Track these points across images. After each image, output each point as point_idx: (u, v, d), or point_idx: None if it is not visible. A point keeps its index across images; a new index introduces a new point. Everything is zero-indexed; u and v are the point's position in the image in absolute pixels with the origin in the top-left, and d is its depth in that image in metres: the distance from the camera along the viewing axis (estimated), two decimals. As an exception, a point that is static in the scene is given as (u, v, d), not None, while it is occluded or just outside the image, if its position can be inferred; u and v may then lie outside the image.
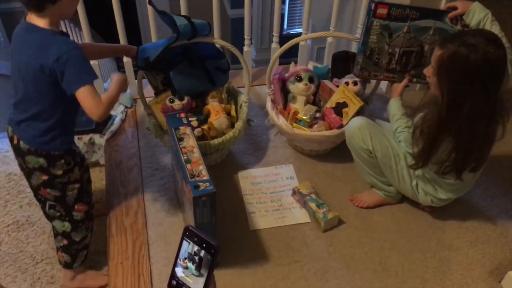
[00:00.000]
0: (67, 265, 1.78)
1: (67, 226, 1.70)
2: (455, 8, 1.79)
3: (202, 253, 0.79)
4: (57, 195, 1.63)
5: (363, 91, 2.06)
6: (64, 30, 2.71)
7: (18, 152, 1.57)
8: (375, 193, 1.93)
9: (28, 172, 1.60)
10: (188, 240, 0.80)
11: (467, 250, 1.81)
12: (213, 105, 1.97)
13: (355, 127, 1.82)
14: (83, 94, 1.41)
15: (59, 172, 1.59)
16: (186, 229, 0.80)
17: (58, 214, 1.68)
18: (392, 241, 1.83)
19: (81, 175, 1.67)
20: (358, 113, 1.98)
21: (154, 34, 2.27)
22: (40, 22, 1.42)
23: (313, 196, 1.90)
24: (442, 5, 2.08)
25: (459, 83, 1.48)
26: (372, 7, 1.80)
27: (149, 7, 2.08)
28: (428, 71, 1.60)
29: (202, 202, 1.48)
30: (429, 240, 1.83)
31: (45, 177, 1.58)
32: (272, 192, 2.00)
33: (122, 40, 2.27)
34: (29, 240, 2.00)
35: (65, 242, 1.73)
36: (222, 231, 1.79)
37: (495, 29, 1.66)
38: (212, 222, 1.55)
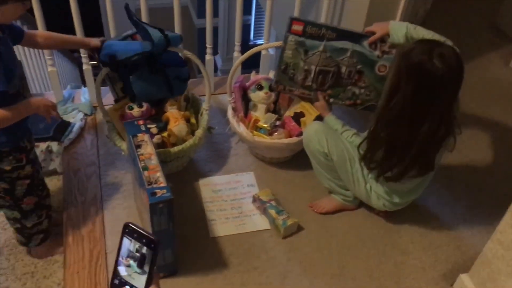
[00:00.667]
0: (23, 244, 1.81)
1: (16, 214, 1.68)
2: (373, 33, 1.83)
3: (144, 249, 0.78)
4: (5, 187, 1.60)
5: (322, 99, 2.10)
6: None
7: None
8: (333, 198, 1.96)
9: None
10: (129, 237, 0.79)
11: (421, 254, 1.86)
12: (172, 112, 1.97)
13: (312, 131, 1.86)
14: None
15: (8, 168, 1.55)
16: (126, 225, 0.79)
17: (8, 204, 1.66)
18: (350, 246, 1.86)
19: (33, 172, 1.64)
20: (315, 122, 2.02)
21: (113, 30, 2.24)
22: None
23: (273, 203, 1.92)
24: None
25: (396, 74, 1.54)
26: (289, 22, 1.85)
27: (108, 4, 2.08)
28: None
29: (159, 209, 1.48)
30: (385, 245, 1.88)
31: None
32: (233, 200, 2.01)
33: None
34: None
35: (17, 226, 1.73)
36: (182, 238, 1.79)
37: (422, 32, 1.69)
38: (170, 229, 1.55)
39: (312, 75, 1.92)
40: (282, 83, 1.98)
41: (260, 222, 1.92)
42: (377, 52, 1.87)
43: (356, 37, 1.86)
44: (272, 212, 1.88)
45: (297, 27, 1.85)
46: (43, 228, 1.76)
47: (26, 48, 2.78)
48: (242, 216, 1.94)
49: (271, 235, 1.88)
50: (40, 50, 2.95)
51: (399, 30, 1.74)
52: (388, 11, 2.23)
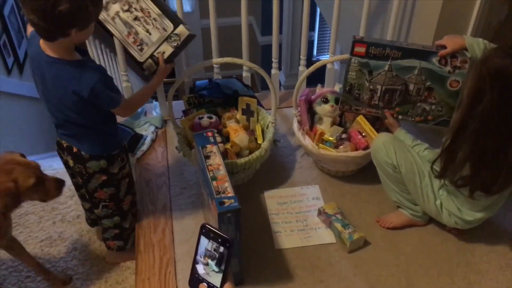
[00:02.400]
0: (120, 249, 1.94)
1: (116, 219, 1.85)
2: (443, 47, 1.79)
3: (221, 248, 0.81)
4: (112, 193, 1.77)
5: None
6: (96, 53, 2.84)
7: (79, 160, 1.68)
8: (402, 213, 1.91)
9: (88, 177, 1.71)
10: (206, 237, 0.82)
11: (498, 274, 1.76)
12: (231, 126, 2.06)
13: (380, 142, 1.84)
14: (116, 111, 1.63)
15: (115, 171, 1.73)
16: (203, 226, 0.83)
17: (110, 211, 1.81)
18: (419, 263, 1.80)
19: (130, 170, 1.84)
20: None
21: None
22: (58, 53, 1.47)
23: (339, 216, 1.90)
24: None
25: (478, 82, 1.48)
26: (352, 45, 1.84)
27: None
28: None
29: (227, 218, 1.51)
30: (457, 263, 1.80)
31: (104, 178, 1.72)
32: (298, 212, 2.01)
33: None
34: (61, 256, 2.06)
35: (116, 231, 1.88)
36: (248, 249, 1.81)
37: None
38: (237, 238, 1.58)
39: (378, 94, 1.92)
40: (347, 103, 2.00)
41: (326, 236, 1.91)
42: (448, 68, 1.82)
43: (423, 54, 1.83)
44: (338, 225, 1.86)
45: (360, 49, 1.85)
46: (134, 226, 1.91)
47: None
48: (307, 229, 1.93)
49: (336, 249, 1.86)
50: (115, 66, 3.13)
51: (477, 44, 1.71)
52: (459, 22, 2.16)
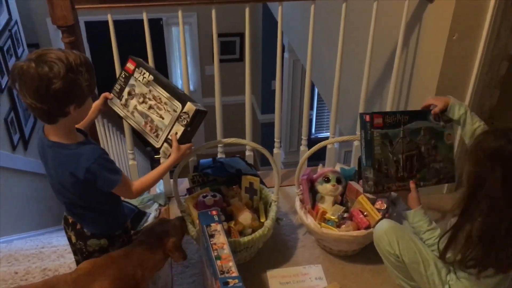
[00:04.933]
0: None
1: None
2: (434, 105, 1.90)
3: None
4: None
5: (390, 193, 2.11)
6: (103, 132, 2.92)
7: (81, 237, 1.69)
8: None
9: (87, 255, 1.70)
10: None
11: None
12: (234, 204, 2.09)
13: (382, 230, 1.83)
14: (116, 191, 1.60)
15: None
16: None
17: None
18: None
19: None
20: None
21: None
22: (58, 136, 1.51)
23: None
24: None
25: (478, 167, 1.53)
26: (367, 119, 1.82)
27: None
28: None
29: (231, 298, 1.50)
30: None
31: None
32: (301, 293, 1.99)
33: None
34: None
35: None
36: (250, 331, 1.77)
37: (475, 119, 1.80)
38: (241, 320, 1.55)
39: (401, 164, 1.88)
40: (380, 183, 1.86)
41: (329, 318, 1.88)
42: (441, 123, 1.92)
43: (422, 114, 1.92)
44: (342, 307, 1.83)
45: (378, 120, 1.85)
46: None
47: (110, 144, 3.02)
48: (310, 310, 1.91)
49: (340, 332, 1.82)
50: (123, 145, 3.20)
51: (460, 108, 1.83)
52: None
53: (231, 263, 1.59)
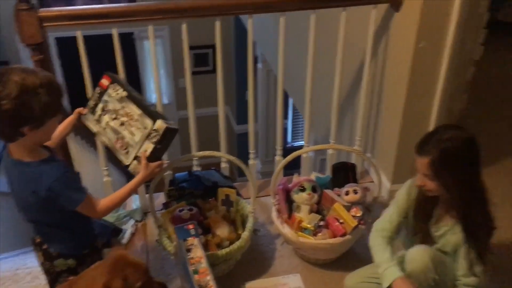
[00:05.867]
0: None
1: None
2: None
3: None
4: None
5: (364, 199, 2.14)
6: (76, 149, 2.88)
7: (48, 257, 1.65)
8: None
9: (55, 276, 1.66)
10: None
11: None
12: (211, 217, 2.08)
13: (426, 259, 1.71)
14: (80, 210, 1.56)
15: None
16: None
17: None
18: None
19: None
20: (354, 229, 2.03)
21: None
22: (21, 154, 1.49)
23: None
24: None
25: (461, 172, 1.60)
26: None
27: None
28: (423, 181, 1.67)
29: (210, 313, 1.50)
30: None
31: (71, 278, 1.63)
32: (281, 303, 1.99)
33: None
34: None
35: None
36: None
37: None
38: (220, 334, 1.55)
39: None
40: None
41: (310, 327, 1.88)
42: None
43: None
44: (322, 315, 1.84)
45: None
46: None
47: (83, 161, 2.98)
48: (290, 321, 1.91)
49: None
50: (96, 161, 3.16)
51: None
52: (422, 109, 2.32)
53: (209, 277, 1.59)
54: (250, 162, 2.58)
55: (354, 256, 2.14)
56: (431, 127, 2.37)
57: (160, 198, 2.34)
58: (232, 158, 2.05)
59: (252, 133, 2.53)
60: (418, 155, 1.64)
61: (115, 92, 1.77)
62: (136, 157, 1.72)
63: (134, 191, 1.70)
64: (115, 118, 1.76)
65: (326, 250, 2.07)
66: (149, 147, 1.70)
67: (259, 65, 5.63)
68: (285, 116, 6.40)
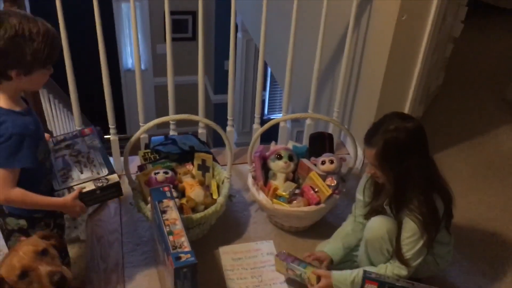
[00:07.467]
0: None
1: None
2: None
3: None
4: None
5: (340, 169, 2.16)
6: (49, 107, 2.81)
7: (1, 213, 1.59)
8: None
9: (7, 234, 1.62)
10: None
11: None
12: (186, 181, 2.07)
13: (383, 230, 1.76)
14: None
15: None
16: None
17: None
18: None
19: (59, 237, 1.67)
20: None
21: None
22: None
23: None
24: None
25: (401, 163, 1.61)
26: None
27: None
28: (372, 169, 1.70)
29: (183, 273, 1.50)
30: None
31: (23, 239, 1.56)
32: (253, 268, 2.01)
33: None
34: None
35: None
36: (202, 306, 1.78)
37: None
38: (193, 294, 1.56)
39: None
40: None
41: (281, 291, 1.92)
42: None
43: None
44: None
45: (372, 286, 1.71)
46: None
47: (53, 124, 2.91)
48: (262, 285, 1.93)
49: (291, 305, 1.87)
50: (69, 122, 3.10)
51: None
52: (401, 83, 2.34)
53: (183, 238, 1.59)
54: (228, 129, 2.57)
55: (327, 225, 2.17)
56: (408, 102, 2.40)
57: (136, 161, 2.31)
58: (210, 122, 2.03)
59: (231, 100, 2.51)
60: (365, 146, 1.66)
61: (90, 141, 1.79)
62: (70, 188, 1.63)
63: (46, 207, 1.59)
64: (74, 156, 1.74)
65: (299, 218, 2.09)
66: (89, 186, 1.63)
67: (239, 35, 5.56)
68: (263, 88, 6.37)
